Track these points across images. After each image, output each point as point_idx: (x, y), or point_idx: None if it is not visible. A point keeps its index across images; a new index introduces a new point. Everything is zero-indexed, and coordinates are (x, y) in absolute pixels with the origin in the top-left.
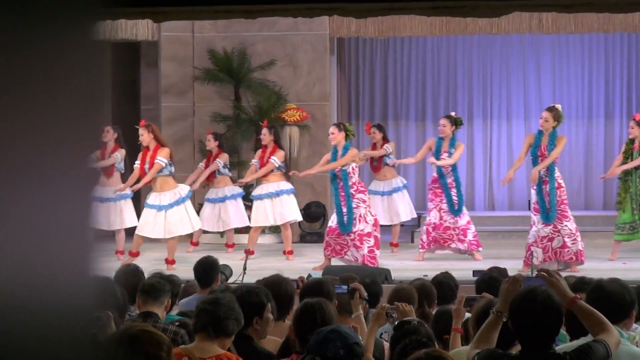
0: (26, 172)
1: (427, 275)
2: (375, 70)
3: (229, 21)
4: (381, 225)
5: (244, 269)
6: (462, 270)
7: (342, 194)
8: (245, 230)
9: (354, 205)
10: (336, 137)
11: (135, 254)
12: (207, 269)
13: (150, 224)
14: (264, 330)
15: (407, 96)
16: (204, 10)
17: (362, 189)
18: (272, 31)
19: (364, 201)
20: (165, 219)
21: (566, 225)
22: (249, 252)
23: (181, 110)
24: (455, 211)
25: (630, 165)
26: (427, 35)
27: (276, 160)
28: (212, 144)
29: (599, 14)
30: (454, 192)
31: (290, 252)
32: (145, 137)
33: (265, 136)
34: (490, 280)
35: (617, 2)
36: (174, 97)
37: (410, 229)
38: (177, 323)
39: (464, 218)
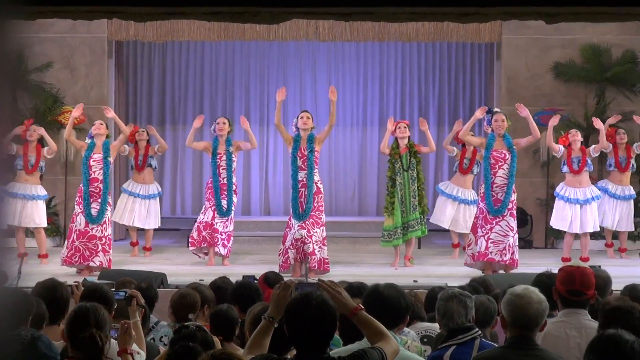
0: None
1: (202, 280)
2: (154, 73)
3: None
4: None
5: (19, 272)
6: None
7: None
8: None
9: (107, 208)
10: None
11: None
12: None
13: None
14: None
15: (185, 100)
16: None
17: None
18: (50, 33)
19: (110, 204)
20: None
21: (317, 232)
22: (24, 256)
23: None
24: (223, 213)
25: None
26: (206, 40)
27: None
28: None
29: (375, 23)
30: (224, 194)
31: (45, 256)
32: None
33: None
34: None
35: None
36: None
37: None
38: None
39: (232, 224)
